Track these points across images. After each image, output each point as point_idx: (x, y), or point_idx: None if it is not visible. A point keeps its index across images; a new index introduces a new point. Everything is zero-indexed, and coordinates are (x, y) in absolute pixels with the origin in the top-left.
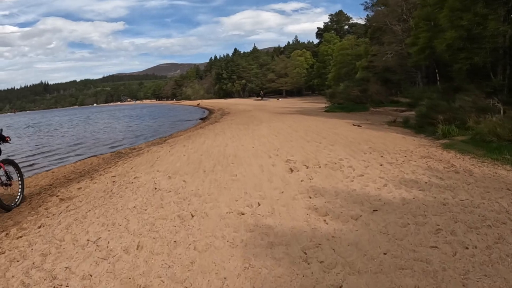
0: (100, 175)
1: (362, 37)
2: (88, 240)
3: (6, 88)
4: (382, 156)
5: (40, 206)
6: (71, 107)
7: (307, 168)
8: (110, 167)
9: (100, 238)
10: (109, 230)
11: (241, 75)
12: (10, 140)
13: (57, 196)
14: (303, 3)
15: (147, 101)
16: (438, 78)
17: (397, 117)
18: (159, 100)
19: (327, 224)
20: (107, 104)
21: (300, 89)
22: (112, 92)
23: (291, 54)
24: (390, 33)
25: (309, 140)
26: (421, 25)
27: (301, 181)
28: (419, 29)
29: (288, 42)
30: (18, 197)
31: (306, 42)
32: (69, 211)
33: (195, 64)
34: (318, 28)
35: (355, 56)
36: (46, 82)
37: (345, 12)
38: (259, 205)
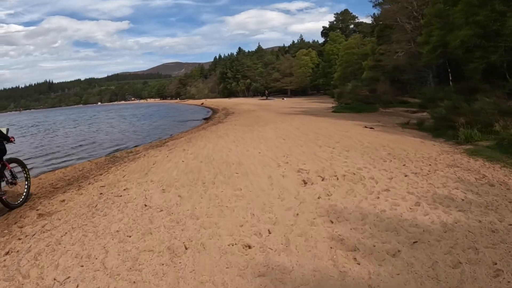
0: (89, 184)
1: (369, 36)
2: (54, 279)
3: (10, 87)
4: (404, 165)
5: (16, 223)
6: (76, 105)
7: (322, 180)
8: (101, 174)
9: (69, 277)
10: (82, 266)
11: (246, 74)
12: (14, 140)
13: (37, 210)
14: (308, 3)
15: (151, 100)
16: (450, 78)
17: (410, 119)
18: (163, 99)
19: (359, 264)
20: (111, 103)
21: (305, 89)
22: (117, 91)
23: (296, 53)
24: (400, 31)
25: (321, 144)
26: (433, 23)
27: (318, 198)
28: (431, 27)
29: (293, 42)
30: (23, 195)
31: (311, 41)
32: (44, 232)
33: (199, 63)
34: (323, 27)
35: (361, 56)
36: (51, 81)
37: (351, 11)
38: (269, 233)
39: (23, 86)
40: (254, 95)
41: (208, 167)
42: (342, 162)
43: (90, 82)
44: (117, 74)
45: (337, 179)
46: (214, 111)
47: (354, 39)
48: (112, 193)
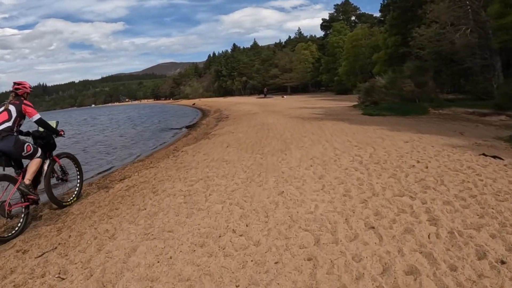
0: None
1: (376, 26)
2: None
3: (4, 91)
4: None
5: None
6: (70, 108)
7: None
8: None
9: None
10: None
11: (242, 72)
12: (64, 134)
13: None
14: (302, 0)
15: (144, 101)
16: None
17: None
18: (157, 99)
19: None
20: (105, 105)
21: (306, 85)
22: (111, 93)
23: (295, 48)
24: (444, 8)
25: None
26: None
27: None
28: None
29: (289, 37)
30: (75, 193)
31: (308, 36)
32: None
33: (195, 63)
34: (323, 19)
35: (369, 48)
36: (45, 84)
37: (351, 2)
38: None
39: None
40: (251, 93)
41: None
42: None
43: (85, 84)
44: (112, 75)
45: None
46: (204, 113)
47: (361, 29)
48: None
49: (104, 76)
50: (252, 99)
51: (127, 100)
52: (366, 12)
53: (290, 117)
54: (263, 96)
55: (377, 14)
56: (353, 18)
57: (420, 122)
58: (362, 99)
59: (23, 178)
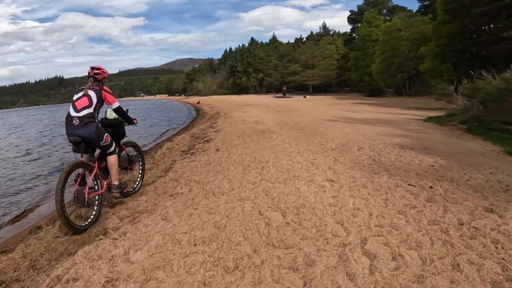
0: None
1: (418, 15)
2: None
3: (21, 82)
4: None
5: None
6: None
7: None
8: None
9: None
10: None
11: (258, 68)
12: (137, 122)
13: None
14: None
15: (158, 96)
16: None
17: None
18: (171, 95)
19: None
20: (118, 99)
21: (330, 85)
22: (126, 87)
23: (319, 42)
24: None
25: None
26: None
27: None
28: None
29: (311, 32)
30: (137, 182)
31: (332, 32)
32: None
33: (211, 59)
34: (351, 11)
35: (411, 41)
36: (61, 76)
37: None
38: None
39: (34, 81)
40: (267, 92)
41: None
42: None
43: None
44: (129, 70)
45: None
46: (195, 120)
47: (400, 19)
48: None
49: (121, 70)
50: (268, 99)
51: (142, 94)
52: (399, 5)
53: (365, 169)
54: (282, 95)
55: (411, 7)
56: (385, 11)
57: None
58: (471, 109)
59: (98, 166)
